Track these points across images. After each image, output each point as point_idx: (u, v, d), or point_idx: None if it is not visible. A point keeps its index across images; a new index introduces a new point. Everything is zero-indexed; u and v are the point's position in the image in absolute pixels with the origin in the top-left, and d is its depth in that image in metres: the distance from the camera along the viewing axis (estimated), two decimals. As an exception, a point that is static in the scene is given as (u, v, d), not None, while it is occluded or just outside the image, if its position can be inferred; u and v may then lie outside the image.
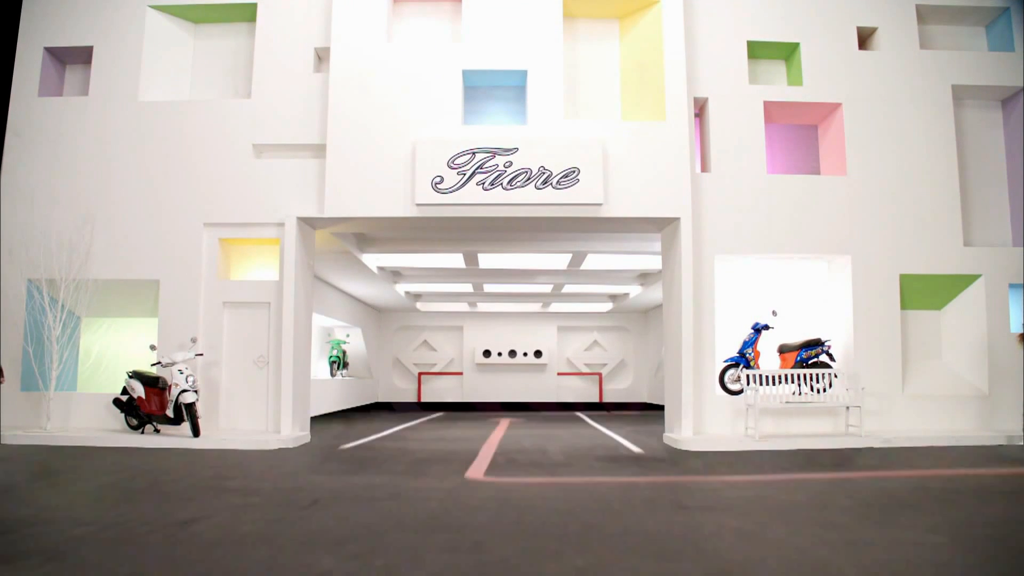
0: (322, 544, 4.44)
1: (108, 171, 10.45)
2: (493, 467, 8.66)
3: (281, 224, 10.23)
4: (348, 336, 20.66)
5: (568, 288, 19.89)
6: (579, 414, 22.44)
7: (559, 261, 15.64)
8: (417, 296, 21.89)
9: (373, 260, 15.00)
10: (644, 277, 18.03)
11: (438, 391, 24.56)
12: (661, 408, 20.39)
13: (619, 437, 13.40)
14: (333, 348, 19.89)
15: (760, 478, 7.77)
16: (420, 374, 24.53)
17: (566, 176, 9.78)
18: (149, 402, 9.55)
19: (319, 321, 18.88)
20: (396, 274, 17.66)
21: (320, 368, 20.08)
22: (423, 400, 23.93)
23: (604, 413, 20.30)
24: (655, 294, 19.46)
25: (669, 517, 5.47)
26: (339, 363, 19.79)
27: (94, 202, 10.35)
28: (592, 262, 15.63)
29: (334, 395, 18.45)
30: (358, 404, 20.88)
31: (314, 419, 14.18)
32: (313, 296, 11.39)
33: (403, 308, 23.52)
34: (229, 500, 5.86)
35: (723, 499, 6.38)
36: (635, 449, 10.97)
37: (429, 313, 24.50)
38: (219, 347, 10.30)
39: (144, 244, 10.33)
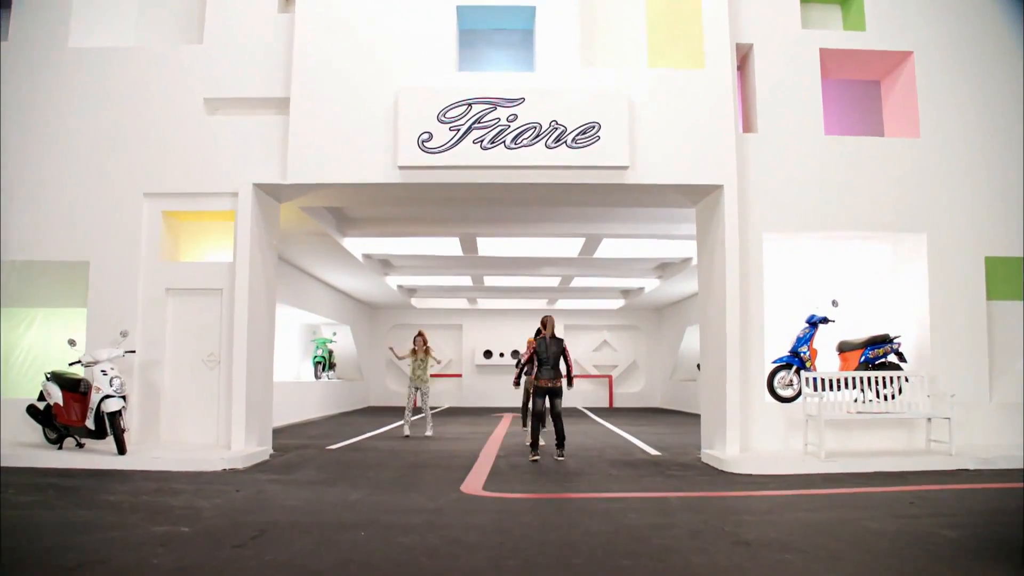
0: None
1: (29, 129, 8.64)
2: (494, 476, 7.02)
3: (236, 194, 8.41)
4: (335, 334, 18.84)
5: (577, 282, 18.07)
6: (583, 408, 20.65)
7: (569, 248, 13.82)
8: (412, 291, 20.11)
9: (357, 245, 13.20)
10: (663, 268, 16.20)
11: (435, 395, 22.62)
12: (676, 413, 18.62)
13: (630, 436, 11.65)
14: (318, 347, 18.07)
15: (825, 492, 6.04)
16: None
17: (583, 133, 7.95)
18: (68, 410, 7.71)
19: (303, 318, 17.08)
20: (386, 264, 15.87)
21: (304, 369, 18.27)
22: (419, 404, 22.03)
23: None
24: (672, 288, 17.63)
25: (728, 558, 3.97)
26: (324, 364, 17.96)
27: (11, 167, 8.54)
28: (606, 250, 13.82)
29: (317, 399, 16.65)
30: (347, 409, 19.07)
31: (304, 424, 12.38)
32: (277, 282, 9.55)
33: (397, 305, 21.74)
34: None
35: (787, 528, 4.70)
36: (652, 452, 9.24)
37: (425, 310, 22.70)
38: (161, 343, 8.48)
39: (71, 218, 8.51)
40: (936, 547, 4.21)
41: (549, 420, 8.74)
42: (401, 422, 12.49)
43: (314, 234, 11.42)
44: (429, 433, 11.56)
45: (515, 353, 11.36)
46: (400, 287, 18.46)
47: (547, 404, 8.35)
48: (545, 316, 8.47)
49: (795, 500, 5.74)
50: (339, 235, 11.89)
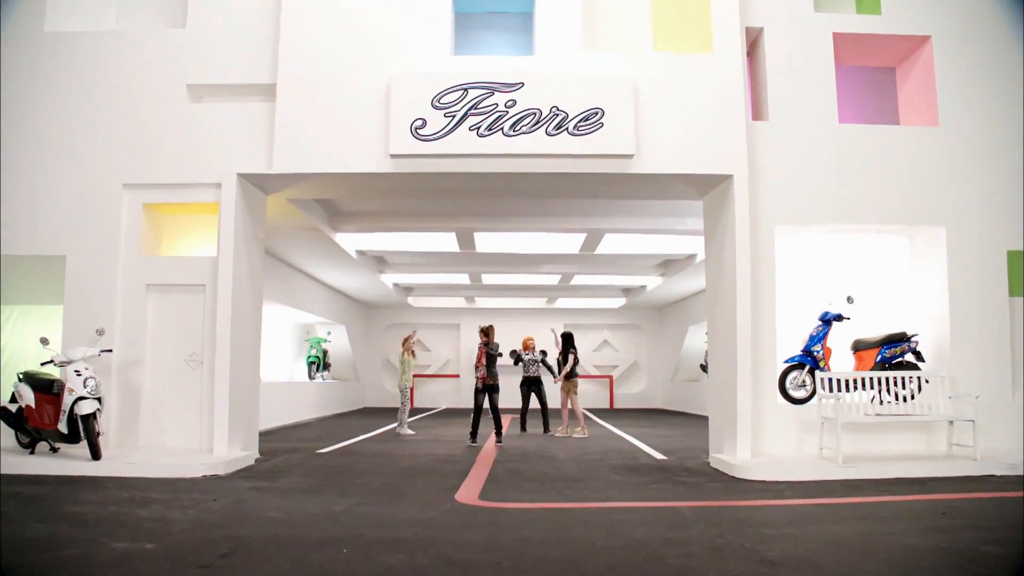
0: None
1: (3, 118, 8.21)
2: (491, 483, 6.58)
3: (219, 184, 7.98)
4: (329, 334, 18.40)
5: (577, 280, 17.65)
6: (583, 409, 20.17)
7: (570, 244, 13.40)
8: (408, 289, 19.68)
9: (350, 241, 12.77)
10: (666, 265, 15.78)
11: (432, 396, 22.33)
12: (679, 414, 18.18)
13: (633, 438, 11.23)
14: (312, 347, 17.64)
15: (847, 501, 5.62)
16: (413, 377, 22.25)
17: (586, 119, 7.53)
18: (40, 413, 7.27)
19: (297, 317, 16.64)
20: (381, 261, 15.44)
21: (298, 370, 17.83)
22: (415, 406, 21.63)
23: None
24: (675, 286, 17.21)
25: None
26: (318, 364, 17.53)
27: (-17, 157, 8.13)
28: (608, 246, 13.40)
29: (311, 400, 16.20)
30: (342, 410, 18.62)
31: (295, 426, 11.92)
32: (264, 278, 9.12)
33: (393, 303, 21.30)
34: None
35: (813, 544, 4.27)
36: (657, 456, 8.82)
37: (422, 309, 22.29)
38: (141, 342, 8.05)
39: (47, 210, 8.08)
40: (981, 566, 3.79)
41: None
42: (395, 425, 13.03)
43: (305, 229, 10.99)
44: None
45: (513, 353, 11.52)
46: (396, 285, 18.03)
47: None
48: (488, 326, 10.31)
49: (817, 511, 5.32)
50: (331, 230, 11.46)
